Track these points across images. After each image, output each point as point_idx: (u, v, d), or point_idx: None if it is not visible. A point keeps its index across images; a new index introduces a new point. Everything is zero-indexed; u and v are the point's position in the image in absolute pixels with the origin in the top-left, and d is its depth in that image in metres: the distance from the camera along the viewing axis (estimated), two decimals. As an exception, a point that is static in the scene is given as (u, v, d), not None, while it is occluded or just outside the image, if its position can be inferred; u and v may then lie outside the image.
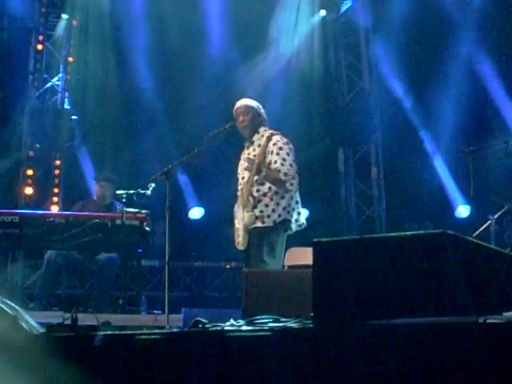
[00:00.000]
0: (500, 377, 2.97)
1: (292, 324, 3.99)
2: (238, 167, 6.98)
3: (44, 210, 10.46)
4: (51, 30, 11.95)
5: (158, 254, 10.00)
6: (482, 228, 7.93)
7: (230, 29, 11.96)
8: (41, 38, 11.77)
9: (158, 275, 11.05)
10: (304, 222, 6.82)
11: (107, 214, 8.40)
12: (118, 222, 8.05)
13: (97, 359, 4.01)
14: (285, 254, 6.86)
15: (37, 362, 3.67)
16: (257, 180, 6.65)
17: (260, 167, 6.63)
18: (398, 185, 12.38)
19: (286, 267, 7.19)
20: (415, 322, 3.26)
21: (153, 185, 7.30)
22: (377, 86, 12.56)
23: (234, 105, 6.97)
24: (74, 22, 12.00)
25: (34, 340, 4.00)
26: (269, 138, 6.76)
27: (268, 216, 6.59)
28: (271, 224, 6.59)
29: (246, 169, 6.76)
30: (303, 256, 6.91)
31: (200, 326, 4.29)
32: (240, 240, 6.70)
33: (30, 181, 11.29)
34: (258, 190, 6.66)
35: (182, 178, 12.18)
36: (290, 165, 6.65)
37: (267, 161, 6.67)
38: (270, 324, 4.14)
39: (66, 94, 11.95)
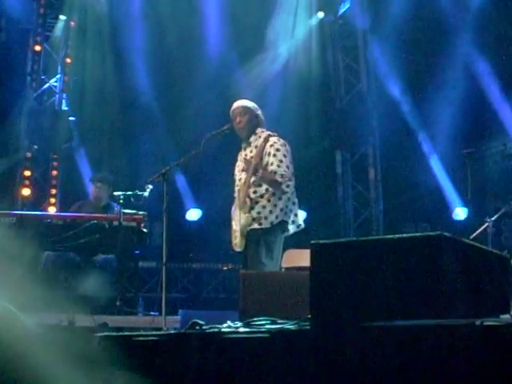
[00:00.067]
0: (497, 379, 2.98)
1: (289, 326, 3.99)
2: (234, 168, 6.98)
3: (41, 211, 10.46)
4: (49, 31, 11.95)
5: (155, 256, 9.97)
6: (480, 230, 7.93)
7: (227, 30, 11.97)
8: (39, 39, 11.77)
9: (155, 277, 11.04)
10: (302, 223, 6.82)
11: (105, 215, 8.39)
12: (116, 223, 8.04)
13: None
14: (282, 255, 6.86)
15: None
16: (254, 181, 6.65)
17: (257, 169, 6.63)
18: (396, 187, 12.39)
19: (283, 269, 7.19)
20: (412, 324, 3.26)
21: (150, 186, 7.31)
22: (374, 88, 12.58)
23: (231, 106, 6.97)
24: (72, 23, 12.01)
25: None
26: (266, 140, 6.75)
27: (265, 218, 6.59)
28: (268, 226, 6.58)
29: (242, 170, 6.76)
30: (301, 258, 6.92)
31: (197, 327, 4.28)
32: (237, 242, 6.70)
33: (27, 182, 11.30)
34: (254, 192, 6.65)
35: (180, 180, 12.18)
36: (287, 166, 6.65)
37: (264, 162, 6.66)
38: (268, 326, 4.14)
39: (64, 96, 11.95)
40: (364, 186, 12.68)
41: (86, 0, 11.95)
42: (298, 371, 3.44)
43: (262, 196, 6.63)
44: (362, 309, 3.48)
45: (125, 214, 8.01)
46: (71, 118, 11.81)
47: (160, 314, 6.71)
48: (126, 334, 5.01)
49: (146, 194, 7.38)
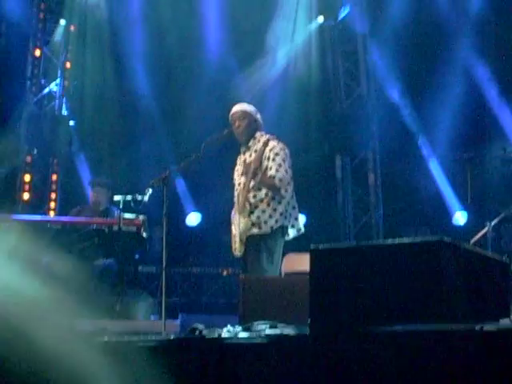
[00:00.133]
0: (497, 384, 2.98)
1: (288, 330, 3.98)
2: (234, 173, 6.98)
3: (41, 215, 10.45)
4: (49, 36, 11.97)
5: (155, 260, 9.99)
6: (480, 235, 7.93)
7: (227, 35, 11.98)
8: (38, 43, 11.79)
9: (155, 281, 11.04)
10: (302, 227, 6.81)
11: (104, 220, 8.39)
12: (115, 227, 8.04)
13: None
14: (282, 260, 6.85)
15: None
16: (253, 186, 6.64)
17: (256, 173, 6.62)
18: (396, 191, 12.38)
19: (283, 274, 7.18)
20: (412, 329, 3.26)
21: (150, 190, 7.30)
22: (374, 93, 12.58)
23: (230, 110, 6.97)
24: (72, 28, 12.02)
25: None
26: (265, 144, 6.73)
27: (265, 222, 6.58)
28: (268, 230, 6.57)
29: (242, 174, 6.75)
30: (300, 262, 6.89)
31: (197, 332, 4.28)
32: (237, 246, 6.69)
33: (27, 186, 11.30)
34: (254, 196, 6.64)
35: (180, 184, 12.18)
36: (286, 171, 6.63)
37: (263, 167, 6.65)
38: (267, 331, 4.14)
39: (64, 100, 11.96)
40: (364, 190, 12.66)
41: (86, 5, 11.96)
42: (298, 376, 3.43)
43: (261, 200, 6.62)
44: (361, 314, 3.48)
45: (124, 218, 8.00)
46: (71, 123, 11.81)
47: (160, 318, 6.70)
48: (126, 338, 5.01)
49: (146, 198, 7.36)
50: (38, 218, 8.91)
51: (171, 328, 6.71)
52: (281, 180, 6.56)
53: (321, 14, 12.57)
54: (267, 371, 3.53)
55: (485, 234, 7.93)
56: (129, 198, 7.74)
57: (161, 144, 12.11)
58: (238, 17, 11.54)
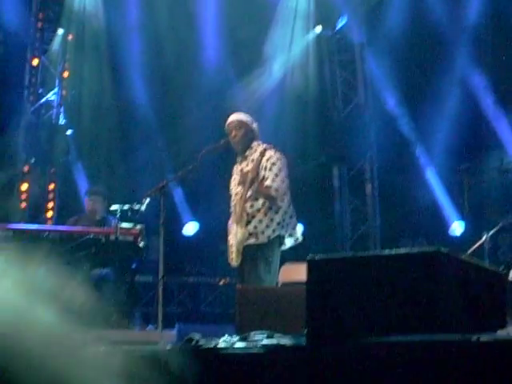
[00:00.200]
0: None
1: (285, 341, 3.98)
2: (230, 183, 6.97)
3: (38, 224, 10.43)
4: (47, 45, 11.97)
5: (151, 270, 9.95)
6: (477, 245, 7.92)
7: (225, 45, 12.00)
8: (36, 52, 11.79)
9: (151, 291, 11.01)
10: (299, 236, 6.80)
11: (101, 229, 8.38)
12: (112, 237, 8.02)
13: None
14: (279, 269, 6.84)
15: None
16: (250, 196, 6.64)
17: (253, 183, 6.62)
18: (393, 201, 12.38)
19: (280, 283, 7.17)
20: (409, 340, 3.25)
21: (147, 200, 7.29)
22: (372, 103, 12.60)
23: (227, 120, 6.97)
24: (70, 37, 12.02)
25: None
26: (262, 153, 6.73)
27: (262, 232, 6.57)
28: (265, 240, 6.56)
29: (239, 184, 6.75)
30: (297, 272, 6.88)
31: (193, 342, 4.27)
32: (234, 256, 6.68)
33: (24, 195, 11.28)
34: (251, 206, 6.64)
35: (177, 193, 12.17)
36: (282, 181, 6.63)
37: (260, 176, 6.65)
38: (264, 341, 4.13)
39: (62, 109, 11.95)
40: (361, 200, 12.67)
41: (84, 14, 11.97)
42: (294, 387, 3.43)
43: (258, 210, 6.62)
44: (358, 324, 3.48)
45: (122, 228, 8.00)
46: (69, 132, 11.81)
47: (156, 328, 6.69)
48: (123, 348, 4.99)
49: (143, 207, 7.36)
50: (34, 227, 8.90)
51: (168, 338, 6.70)
52: (277, 190, 6.56)
53: (318, 24, 12.61)
54: (264, 381, 3.52)
55: (482, 245, 7.93)
56: (126, 207, 7.72)
57: (158, 153, 12.12)
58: (236, 26, 11.56)
